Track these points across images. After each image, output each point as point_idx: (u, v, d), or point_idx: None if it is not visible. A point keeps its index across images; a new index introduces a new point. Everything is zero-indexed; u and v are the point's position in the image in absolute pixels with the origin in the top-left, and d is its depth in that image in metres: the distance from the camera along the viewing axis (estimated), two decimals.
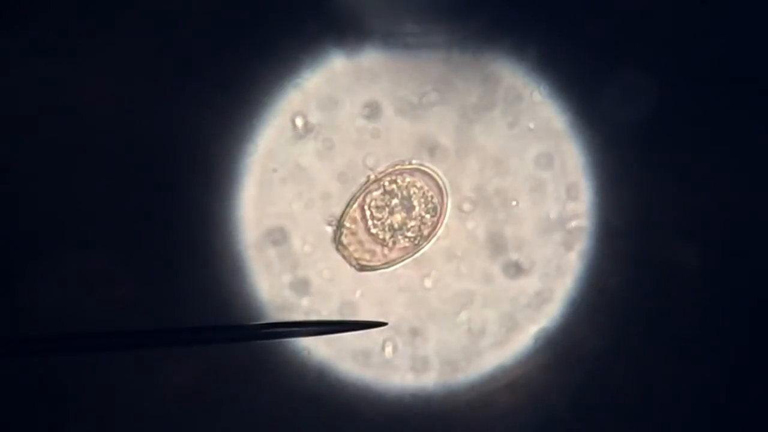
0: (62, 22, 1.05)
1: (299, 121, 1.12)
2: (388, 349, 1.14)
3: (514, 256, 1.14)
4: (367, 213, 1.14)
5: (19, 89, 1.05)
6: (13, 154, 1.04)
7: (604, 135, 1.12)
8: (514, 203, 1.14)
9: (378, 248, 1.15)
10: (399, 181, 1.15)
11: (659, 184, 1.10)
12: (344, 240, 1.14)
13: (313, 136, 1.13)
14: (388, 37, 1.10)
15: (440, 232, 1.15)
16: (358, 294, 1.14)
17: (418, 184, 1.14)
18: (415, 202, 1.15)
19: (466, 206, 1.14)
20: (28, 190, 1.06)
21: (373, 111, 1.13)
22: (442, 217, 1.14)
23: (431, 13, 1.11)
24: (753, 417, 1.05)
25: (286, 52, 1.11)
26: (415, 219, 1.15)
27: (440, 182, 1.14)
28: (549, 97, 1.12)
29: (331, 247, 1.14)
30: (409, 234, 1.15)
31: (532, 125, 1.13)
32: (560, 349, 1.13)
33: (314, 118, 1.13)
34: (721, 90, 1.08)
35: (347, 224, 1.14)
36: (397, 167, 1.14)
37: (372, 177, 1.14)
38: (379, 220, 1.14)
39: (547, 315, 1.13)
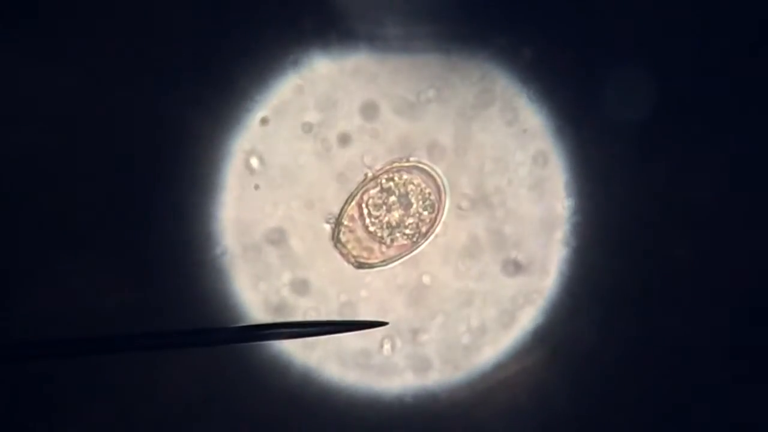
0: (46, 23, 1.04)
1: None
2: (387, 347, 1.14)
3: (512, 253, 1.14)
4: (365, 211, 1.14)
5: (10, 92, 1.03)
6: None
7: (600, 132, 1.12)
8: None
9: (376, 246, 1.15)
10: (396, 178, 1.15)
11: (655, 180, 1.11)
12: (342, 238, 1.14)
13: (312, 136, 1.13)
14: (377, 38, 1.10)
15: (438, 229, 1.15)
16: (357, 293, 1.14)
17: (416, 182, 1.14)
18: (413, 199, 1.15)
19: (465, 204, 1.14)
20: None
21: (370, 111, 1.12)
22: (440, 214, 1.14)
23: (423, 12, 1.11)
24: (750, 408, 1.07)
25: (274, 51, 1.10)
26: (413, 216, 1.15)
27: (438, 179, 1.14)
28: (542, 96, 1.12)
29: (330, 246, 1.14)
30: (408, 231, 1.15)
31: (527, 125, 1.13)
32: (558, 345, 1.14)
33: (313, 119, 1.12)
34: (716, 86, 1.08)
35: (345, 222, 1.14)
36: (394, 165, 1.14)
37: (369, 174, 1.14)
38: (376, 218, 1.14)
39: (545, 311, 1.14)
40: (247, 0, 1.06)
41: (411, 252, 1.15)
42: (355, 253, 1.15)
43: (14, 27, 1.02)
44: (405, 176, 1.15)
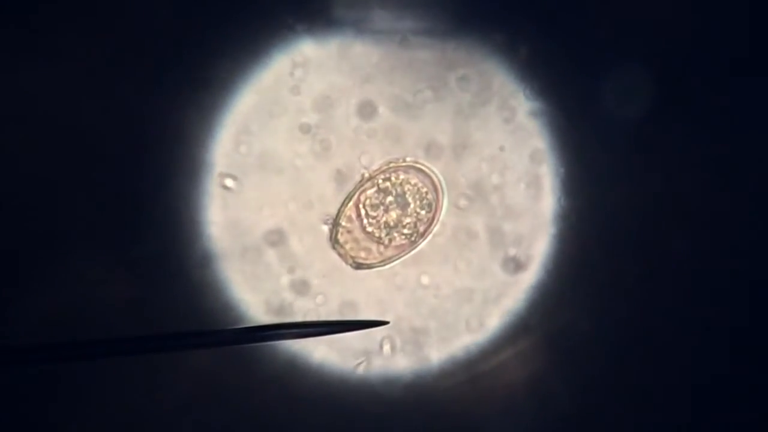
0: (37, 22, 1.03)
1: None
2: (386, 347, 1.14)
3: (510, 250, 1.15)
4: (362, 211, 1.14)
5: (4, 92, 1.03)
6: None
7: (597, 130, 1.13)
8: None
9: (374, 246, 1.15)
10: (393, 178, 1.15)
11: (652, 178, 1.12)
12: (340, 238, 1.14)
13: (311, 136, 1.13)
14: (375, 37, 1.10)
15: (436, 228, 1.15)
16: (357, 293, 1.14)
17: (413, 181, 1.15)
18: (410, 199, 1.15)
19: (462, 202, 1.14)
20: None
21: (367, 110, 1.13)
22: (438, 213, 1.15)
23: (419, 10, 1.11)
24: (748, 399, 1.07)
25: (274, 52, 1.10)
26: (410, 216, 1.15)
27: (435, 179, 1.14)
28: (540, 94, 1.13)
29: (328, 246, 1.14)
30: (405, 231, 1.15)
31: (525, 123, 1.14)
32: (555, 339, 1.14)
33: (311, 119, 1.12)
34: (714, 85, 1.10)
35: (343, 223, 1.14)
36: (391, 165, 1.14)
37: (366, 175, 1.14)
38: (374, 218, 1.14)
39: (543, 307, 1.15)
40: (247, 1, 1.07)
41: (409, 252, 1.15)
42: (353, 253, 1.14)
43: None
44: (402, 176, 1.15)
